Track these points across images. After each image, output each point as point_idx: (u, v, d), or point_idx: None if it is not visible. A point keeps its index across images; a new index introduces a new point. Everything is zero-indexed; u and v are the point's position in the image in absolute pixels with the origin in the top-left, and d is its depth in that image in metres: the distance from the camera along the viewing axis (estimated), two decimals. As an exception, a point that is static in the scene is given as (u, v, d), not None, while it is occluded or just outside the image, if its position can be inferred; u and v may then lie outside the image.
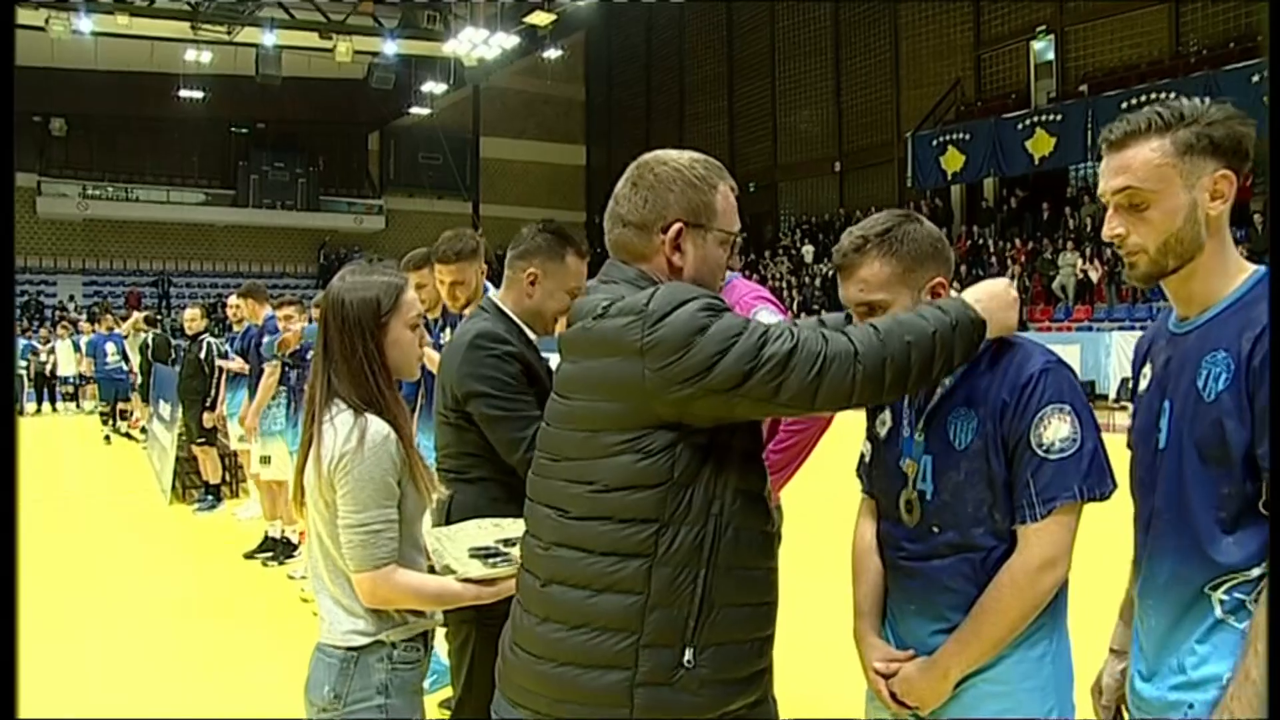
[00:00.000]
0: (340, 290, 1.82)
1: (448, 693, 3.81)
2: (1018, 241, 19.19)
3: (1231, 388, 1.29)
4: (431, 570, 1.88)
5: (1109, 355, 15.02)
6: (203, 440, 7.69)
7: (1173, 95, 16.29)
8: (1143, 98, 16.92)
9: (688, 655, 1.37)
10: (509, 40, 22.52)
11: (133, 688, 4.00)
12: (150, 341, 11.66)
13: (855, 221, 1.68)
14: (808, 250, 24.15)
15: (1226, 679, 1.29)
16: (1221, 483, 1.30)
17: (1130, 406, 1.56)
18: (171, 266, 29.74)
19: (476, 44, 22.34)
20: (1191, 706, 1.33)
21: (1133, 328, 15.27)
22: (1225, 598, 1.31)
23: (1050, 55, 20.52)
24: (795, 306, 22.34)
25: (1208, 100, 1.41)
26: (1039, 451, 1.46)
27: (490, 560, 1.81)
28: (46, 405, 17.28)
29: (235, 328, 7.23)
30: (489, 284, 3.55)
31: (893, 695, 1.58)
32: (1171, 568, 1.37)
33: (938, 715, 1.55)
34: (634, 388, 1.38)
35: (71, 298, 27.24)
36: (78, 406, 17.37)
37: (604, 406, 1.42)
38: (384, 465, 1.74)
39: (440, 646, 4.04)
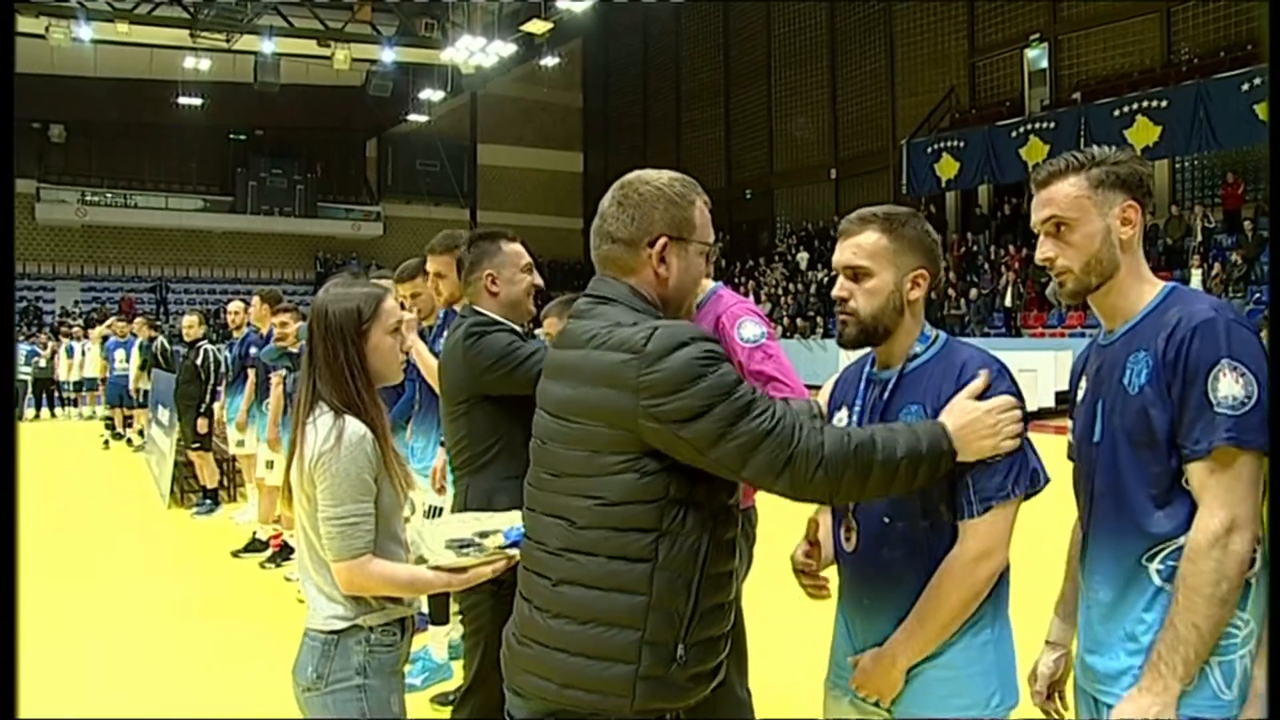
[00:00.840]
0: (324, 301, 1.96)
1: (439, 688, 3.90)
2: (1011, 248, 19.32)
3: (1152, 381, 1.48)
4: (421, 561, 1.99)
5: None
6: (198, 446, 7.79)
7: (1164, 103, 16.60)
8: (1135, 105, 17.10)
9: (680, 651, 1.51)
10: (506, 48, 22.67)
11: (131, 687, 4.07)
12: (156, 346, 11.76)
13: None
14: (803, 257, 24.28)
15: (1156, 631, 1.45)
16: (1150, 463, 1.48)
17: (1070, 422, 1.73)
18: (169, 273, 29.84)
19: (474, 52, 22.49)
20: (1140, 670, 1.47)
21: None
22: (1161, 566, 1.48)
23: (1044, 63, 20.67)
24: (790, 313, 22.45)
25: (1112, 147, 1.63)
26: None
27: (463, 550, 1.93)
28: (45, 411, 17.34)
29: (235, 334, 7.32)
30: None
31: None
32: (1113, 545, 1.53)
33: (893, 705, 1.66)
34: (629, 419, 1.49)
35: (76, 304, 27.32)
36: (78, 413, 17.42)
37: (603, 431, 1.52)
38: (360, 463, 1.87)
39: (434, 646, 4.14)
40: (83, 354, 16.58)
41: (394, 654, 1.97)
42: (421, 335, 4.21)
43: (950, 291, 19.40)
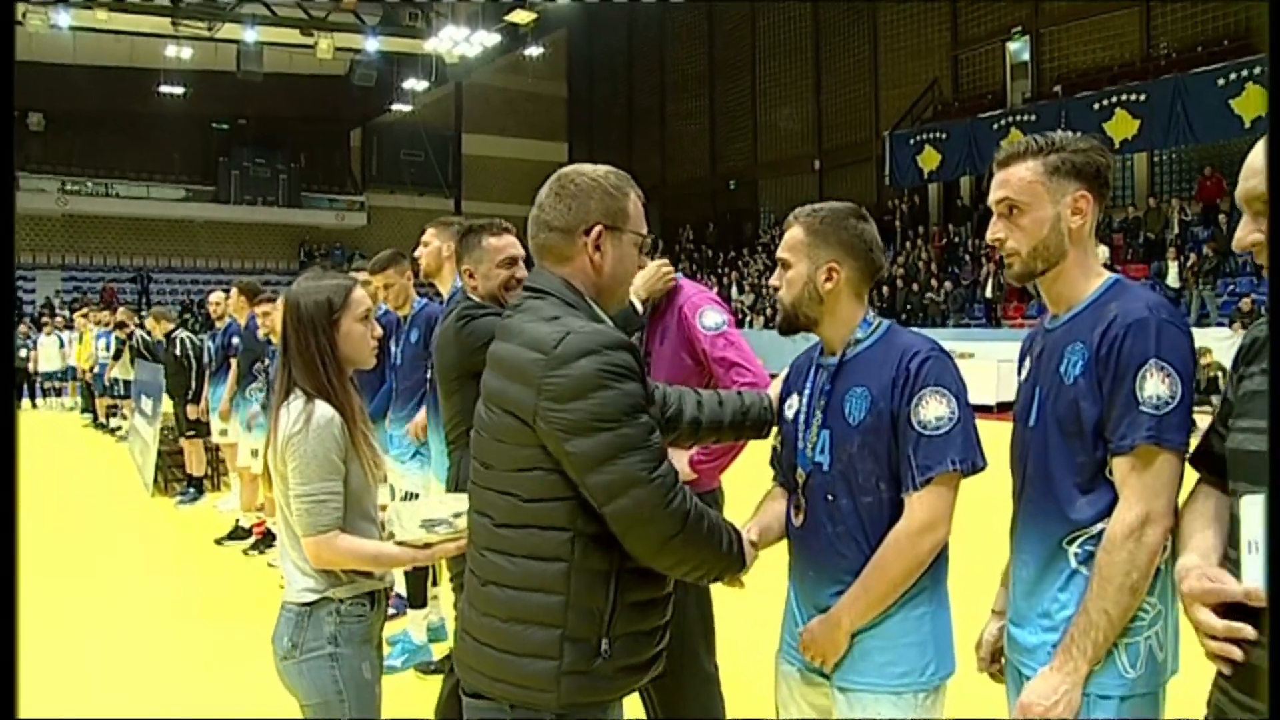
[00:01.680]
0: (296, 293, 2.08)
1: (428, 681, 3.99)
2: (992, 240, 19.45)
3: (1085, 373, 1.53)
4: (393, 538, 2.08)
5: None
6: (192, 434, 7.84)
7: (1143, 97, 16.76)
8: (1114, 99, 17.27)
9: (604, 645, 1.54)
10: (490, 38, 22.59)
11: (119, 679, 4.10)
12: (135, 338, 11.73)
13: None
14: (787, 247, 24.33)
15: (1072, 613, 1.53)
16: (1078, 452, 1.55)
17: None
18: (152, 263, 29.63)
19: (458, 41, 22.41)
20: (1054, 647, 1.56)
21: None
22: (1079, 550, 1.55)
23: (1026, 56, 20.82)
24: (772, 303, 22.48)
25: (1077, 133, 1.66)
26: (918, 428, 1.69)
27: (434, 528, 2.03)
28: (26, 401, 17.25)
29: (218, 324, 7.35)
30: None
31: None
32: (1038, 526, 1.61)
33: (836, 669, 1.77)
34: (530, 417, 1.52)
35: (57, 294, 27.09)
36: (59, 403, 17.34)
37: (512, 422, 1.55)
38: (327, 444, 1.98)
39: (413, 629, 4.23)
40: (62, 344, 16.49)
41: (364, 624, 2.08)
42: (397, 324, 4.32)
43: (933, 282, 19.57)
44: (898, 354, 1.74)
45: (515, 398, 1.54)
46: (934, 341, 1.78)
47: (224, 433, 7.11)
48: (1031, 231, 1.61)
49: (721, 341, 2.49)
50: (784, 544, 1.92)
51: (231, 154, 29.81)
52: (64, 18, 20.16)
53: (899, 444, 1.71)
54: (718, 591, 2.65)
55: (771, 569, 1.92)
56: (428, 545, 2.01)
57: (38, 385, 17.64)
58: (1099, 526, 1.52)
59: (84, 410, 14.42)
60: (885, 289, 20.47)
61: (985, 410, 9.60)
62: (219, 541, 6.45)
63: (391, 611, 2.85)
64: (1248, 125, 15.01)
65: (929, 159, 20.51)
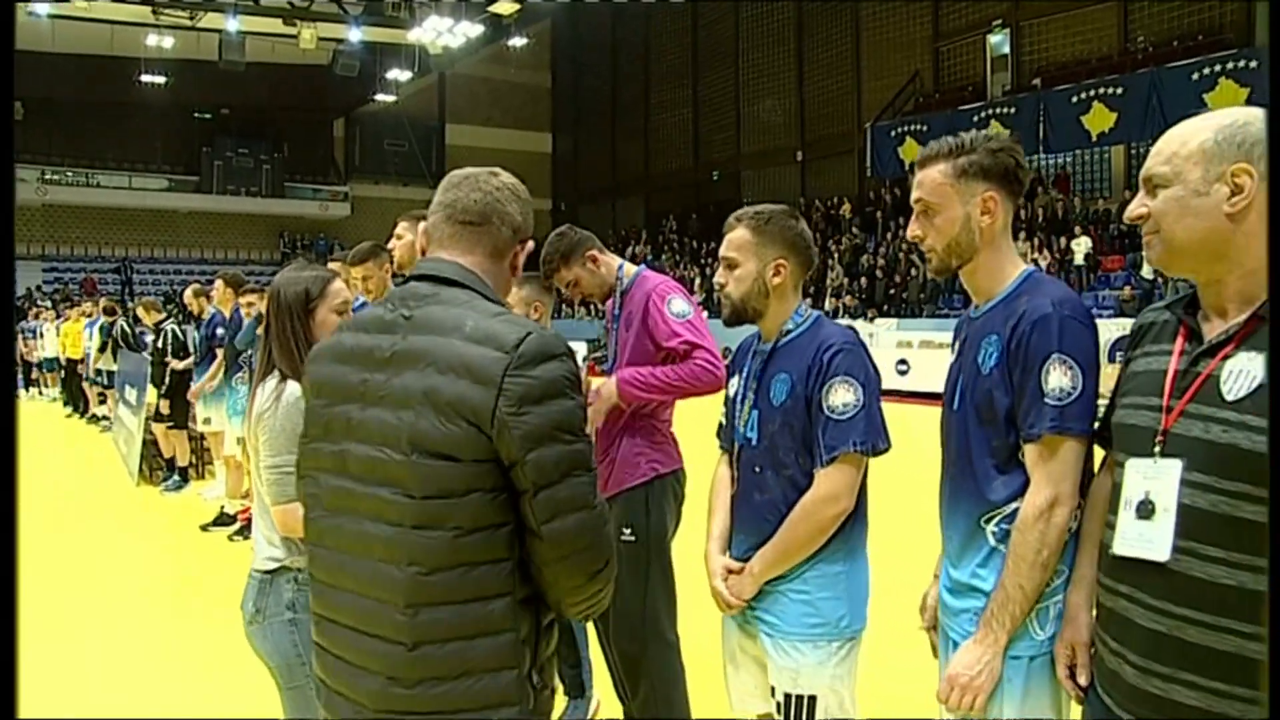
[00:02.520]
0: (278, 284, 2.26)
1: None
2: (972, 231, 19.67)
3: (999, 364, 1.65)
4: None
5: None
6: (170, 424, 7.93)
7: (1120, 90, 17.00)
8: (1092, 92, 17.52)
9: (535, 677, 1.40)
10: (474, 28, 22.64)
11: (111, 664, 4.19)
12: (116, 329, 11.77)
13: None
14: (770, 239, 24.51)
15: (992, 587, 1.67)
16: (993, 437, 1.68)
17: None
18: (134, 253, 29.53)
19: (441, 32, 22.44)
20: (976, 614, 1.71)
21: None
22: (995, 529, 1.68)
23: (1006, 49, 21.06)
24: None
25: (995, 133, 1.76)
26: (827, 412, 1.91)
27: None
28: (22, 391, 17.22)
29: (202, 315, 7.44)
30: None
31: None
32: (960, 503, 1.75)
33: (754, 607, 2.02)
34: (486, 418, 1.32)
35: (39, 286, 26.93)
36: (41, 393, 17.32)
37: (455, 431, 1.32)
38: (294, 420, 2.09)
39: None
40: (43, 335, 16.47)
41: None
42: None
43: (913, 272, 19.78)
44: (817, 344, 1.95)
45: (461, 396, 1.32)
46: (852, 334, 1.98)
47: (208, 421, 7.21)
48: (944, 230, 1.72)
49: (688, 326, 2.72)
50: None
51: (214, 144, 29.74)
52: (42, 5, 20.05)
53: (812, 425, 1.92)
54: (679, 562, 2.81)
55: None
56: None
57: (21, 377, 17.61)
58: (1013, 506, 1.65)
59: (66, 402, 14.42)
60: (864, 280, 20.72)
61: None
62: (204, 528, 6.56)
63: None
64: (1221, 119, 15.28)
65: (910, 151, 20.70)
